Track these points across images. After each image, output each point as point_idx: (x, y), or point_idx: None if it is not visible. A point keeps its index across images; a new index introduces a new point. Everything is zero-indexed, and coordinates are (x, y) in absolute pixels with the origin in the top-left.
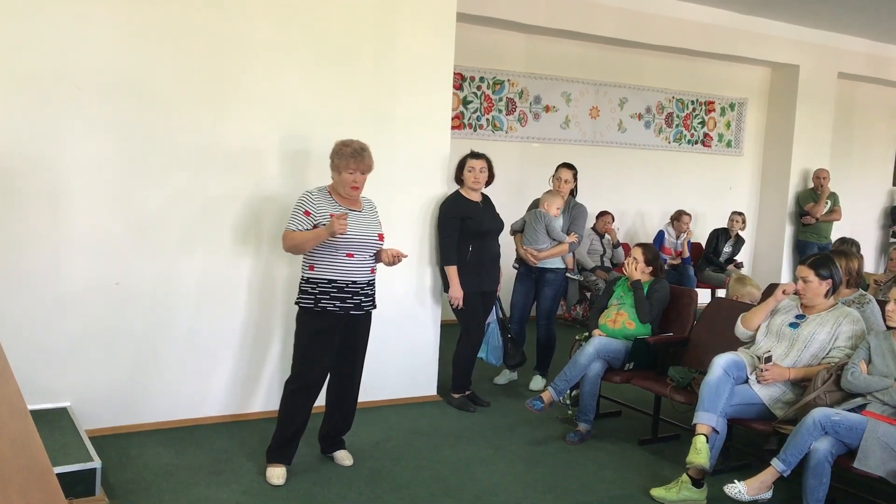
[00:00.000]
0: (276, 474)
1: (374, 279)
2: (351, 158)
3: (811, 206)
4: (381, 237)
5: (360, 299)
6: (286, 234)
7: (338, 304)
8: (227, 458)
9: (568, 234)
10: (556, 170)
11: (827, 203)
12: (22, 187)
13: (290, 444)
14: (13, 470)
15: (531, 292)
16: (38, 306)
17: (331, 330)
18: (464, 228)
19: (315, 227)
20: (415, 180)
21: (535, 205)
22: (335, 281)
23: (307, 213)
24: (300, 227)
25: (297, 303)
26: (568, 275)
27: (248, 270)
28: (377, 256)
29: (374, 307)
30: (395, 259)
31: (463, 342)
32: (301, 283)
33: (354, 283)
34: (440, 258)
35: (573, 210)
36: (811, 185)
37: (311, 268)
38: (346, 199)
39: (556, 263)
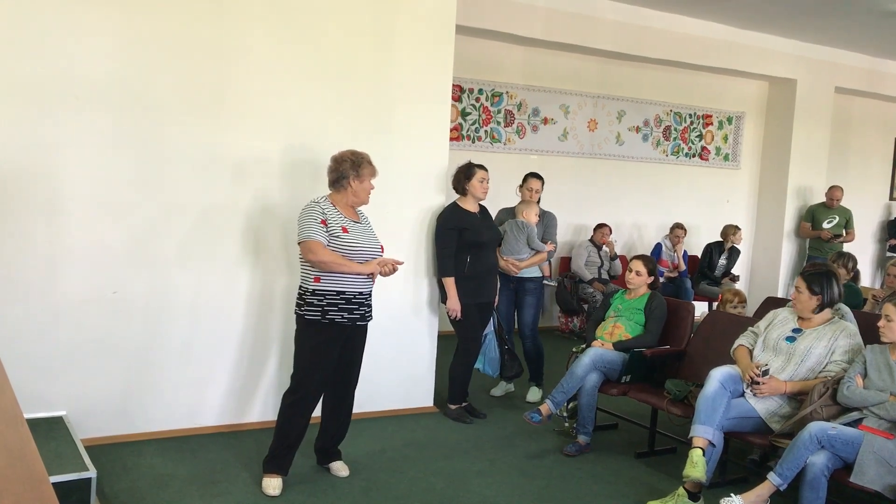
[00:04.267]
0: (273, 485)
1: (372, 290)
2: (370, 165)
3: (804, 225)
4: (382, 248)
5: (365, 310)
6: (314, 245)
7: (345, 315)
8: (223, 469)
9: (544, 242)
10: (526, 180)
11: (834, 218)
12: (19, 197)
13: (286, 454)
14: (9, 479)
15: (512, 302)
16: (34, 315)
17: (333, 341)
18: (462, 239)
19: (328, 238)
20: (413, 192)
21: (504, 215)
22: (344, 292)
23: (323, 223)
24: (322, 237)
25: (301, 314)
26: (545, 282)
27: (246, 281)
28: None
29: (372, 317)
30: (392, 269)
31: (459, 354)
32: (305, 295)
33: (361, 293)
34: (438, 269)
35: (545, 219)
36: (824, 199)
37: (317, 280)
38: (349, 209)
39: (534, 272)
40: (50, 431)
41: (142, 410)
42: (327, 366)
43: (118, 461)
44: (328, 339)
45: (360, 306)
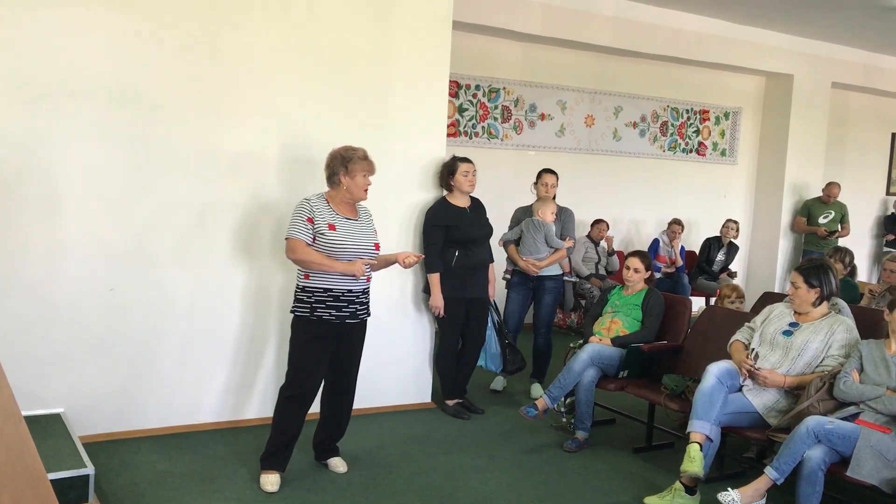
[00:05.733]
0: (270, 481)
1: (368, 287)
2: (364, 161)
3: (799, 220)
4: (377, 246)
5: (356, 308)
6: (295, 244)
7: (333, 312)
8: (221, 465)
9: (563, 238)
10: (541, 176)
11: (829, 214)
12: (17, 194)
13: (284, 451)
14: (7, 476)
15: (528, 301)
16: (32, 312)
17: (326, 337)
18: (450, 235)
19: (314, 237)
20: (411, 188)
21: (521, 214)
22: (331, 290)
23: (310, 220)
24: (305, 236)
25: (292, 311)
26: (565, 278)
27: (243, 277)
28: (382, 263)
29: (369, 315)
30: (416, 259)
31: (442, 348)
32: (296, 291)
33: (350, 291)
34: (424, 265)
35: (562, 215)
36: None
37: (307, 276)
38: (344, 205)
39: (555, 270)
40: (48, 428)
41: (140, 407)
42: (319, 362)
43: (116, 458)
44: (318, 336)
45: (349, 304)
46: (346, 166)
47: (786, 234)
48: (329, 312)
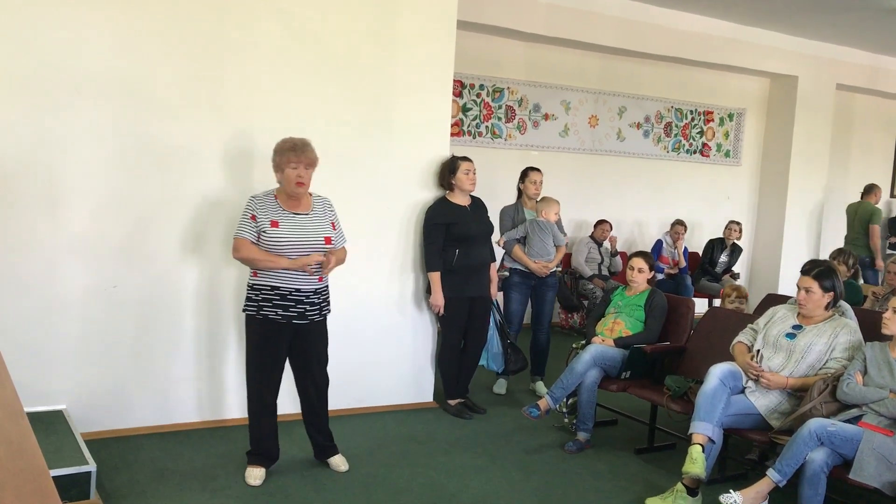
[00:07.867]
0: (254, 475)
1: (323, 287)
2: (291, 152)
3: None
4: (327, 240)
5: (305, 308)
6: (238, 243)
7: (280, 312)
8: (223, 463)
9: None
10: (528, 174)
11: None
12: (19, 190)
13: (262, 448)
14: (9, 473)
15: (528, 300)
16: (34, 309)
17: (274, 337)
18: (450, 233)
19: (258, 235)
20: (414, 187)
21: (512, 212)
22: (278, 288)
23: (253, 218)
24: (249, 234)
25: (243, 310)
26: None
27: (246, 274)
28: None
29: (322, 316)
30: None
31: (444, 347)
32: (247, 289)
33: (298, 290)
34: (424, 264)
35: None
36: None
37: (255, 274)
38: (291, 200)
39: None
40: (50, 425)
41: (142, 404)
42: (270, 364)
43: (118, 455)
44: (265, 336)
45: (297, 304)
46: (274, 160)
47: (790, 236)
48: (275, 312)
